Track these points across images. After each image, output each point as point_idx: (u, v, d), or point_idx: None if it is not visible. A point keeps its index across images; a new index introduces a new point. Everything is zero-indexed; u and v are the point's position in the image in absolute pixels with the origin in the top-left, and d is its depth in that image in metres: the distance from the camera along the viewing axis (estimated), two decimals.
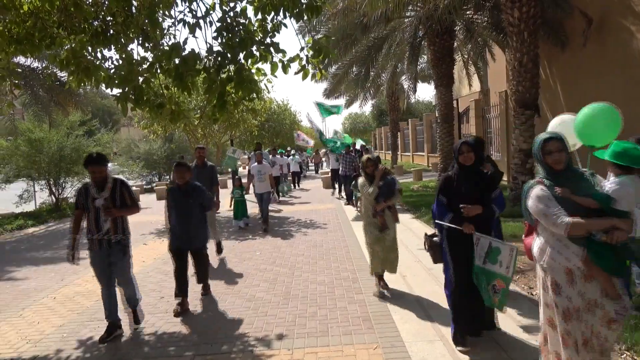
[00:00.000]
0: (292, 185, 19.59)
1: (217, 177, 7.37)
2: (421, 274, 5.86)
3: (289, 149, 20.17)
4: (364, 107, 53.99)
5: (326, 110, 16.41)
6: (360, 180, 5.17)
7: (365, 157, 5.18)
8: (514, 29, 9.21)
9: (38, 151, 14.38)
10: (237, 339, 4.21)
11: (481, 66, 18.38)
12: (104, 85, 4.90)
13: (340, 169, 13.14)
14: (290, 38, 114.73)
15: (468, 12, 13.80)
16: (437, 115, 16.13)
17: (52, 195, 15.49)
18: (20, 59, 14.56)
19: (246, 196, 10.63)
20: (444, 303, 4.65)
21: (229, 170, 13.34)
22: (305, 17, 3.70)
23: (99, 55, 5.07)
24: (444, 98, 14.83)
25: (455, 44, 15.45)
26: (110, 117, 45.72)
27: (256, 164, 10.00)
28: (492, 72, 17.33)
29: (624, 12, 9.31)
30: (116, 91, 4.26)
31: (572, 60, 11.13)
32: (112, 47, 4.99)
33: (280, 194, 16.21)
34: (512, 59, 9.47)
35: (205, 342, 4.20)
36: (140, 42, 5.00)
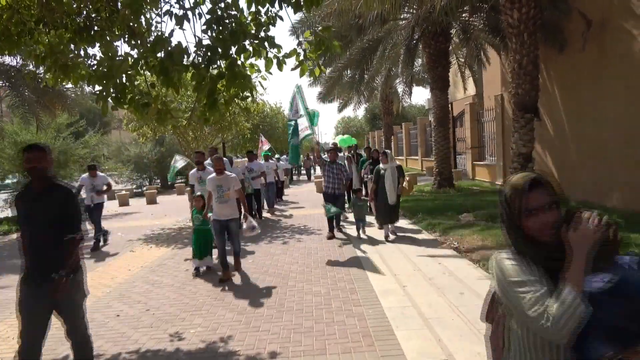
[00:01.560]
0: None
1: (79, 216, 3.21)
2: (422, 284, 5.57)
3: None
4: (357, 111, 53.83)
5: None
6: (507, 265, 1.50)
7: (518, 178, 1.54)
8: (513, 30, 9.01)
9: None
10: (227, 358, 3.89)
11: (476, 69, 18.26)
12: (86, 83, 4.61)
13: (324, 184, 8.82)
14: (285, 36, 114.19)
15: (464, 15, 13.64)
16: (431, 119, 15.93)
17: None
18: (6, 59, 14.22)
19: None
20: (448, 316, 4.38)
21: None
22: (304, 8, 3.41)
23: (82, 52, 4.78)
24: (440, 101, 14.63)
25: (451, 47, 15.29)
26: (100, 119, 45.05)
27: (214, 174, 6.49)
28: (486, 76, 17.20)
29: (624, 14, 9.14)
30: (97, 89, 3.94)
31: (570, 63, 10.96)
32: (97, 44, 4.69)
33: (268, 210, 13.08)
34: (512, 61, 9.27)
35: None
36: (126, 39, 4.70)
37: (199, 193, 7.05)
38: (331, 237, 8.79)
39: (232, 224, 6.40)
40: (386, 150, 8.78)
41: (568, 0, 10.24)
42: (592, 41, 9.86)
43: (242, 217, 6.66)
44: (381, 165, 8.46)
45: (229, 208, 6.38)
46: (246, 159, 12.58)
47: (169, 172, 11.40)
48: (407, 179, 8.72)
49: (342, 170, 8.76)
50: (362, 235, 8.85)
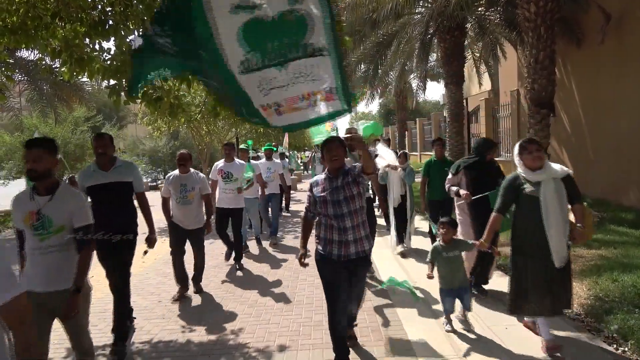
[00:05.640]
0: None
1: None
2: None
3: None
4: (371, 106, 53.71)
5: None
6: None
7: None
8: (530, 24, 8.83)
9: None
10: (236, 350, 3.93)
11: (492, 64, 18.02)
12: (101, 77, 4.65)
13: (317, 233, 3.91)
14: None
15: (480, 9, 13.44)
16: (445, 114, 15.78)
17: None
18: (24, 54, 14.46)
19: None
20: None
21: None
22: None
23: (97, 46, 4.84)
24: (454, 97, 14.45)
25: (466, 41, 15.10)
26: (116, 113, 45.56)
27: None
28: (502, 71, 16.96)
29: None
30: (111, 83, 3.98)
31: (588, 58, 10.75)
32: (112, 39, 4.74)
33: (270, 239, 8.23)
34: (528, 55, 9.10)
35: (203, 352, 3.93)
36: (140, 33, 4.74)
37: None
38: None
39: None
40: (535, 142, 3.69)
41: None
42: (611, 35, 9.66)
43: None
44: (523, 173, 3.66)
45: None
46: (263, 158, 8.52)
47: None
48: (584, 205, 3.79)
49: (363, 193, 3.55)
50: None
